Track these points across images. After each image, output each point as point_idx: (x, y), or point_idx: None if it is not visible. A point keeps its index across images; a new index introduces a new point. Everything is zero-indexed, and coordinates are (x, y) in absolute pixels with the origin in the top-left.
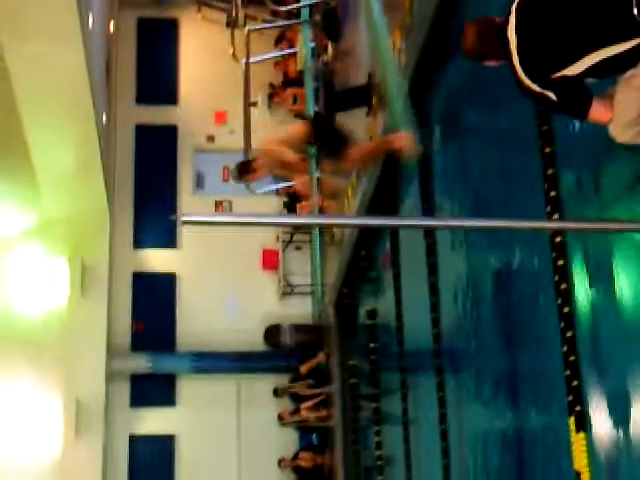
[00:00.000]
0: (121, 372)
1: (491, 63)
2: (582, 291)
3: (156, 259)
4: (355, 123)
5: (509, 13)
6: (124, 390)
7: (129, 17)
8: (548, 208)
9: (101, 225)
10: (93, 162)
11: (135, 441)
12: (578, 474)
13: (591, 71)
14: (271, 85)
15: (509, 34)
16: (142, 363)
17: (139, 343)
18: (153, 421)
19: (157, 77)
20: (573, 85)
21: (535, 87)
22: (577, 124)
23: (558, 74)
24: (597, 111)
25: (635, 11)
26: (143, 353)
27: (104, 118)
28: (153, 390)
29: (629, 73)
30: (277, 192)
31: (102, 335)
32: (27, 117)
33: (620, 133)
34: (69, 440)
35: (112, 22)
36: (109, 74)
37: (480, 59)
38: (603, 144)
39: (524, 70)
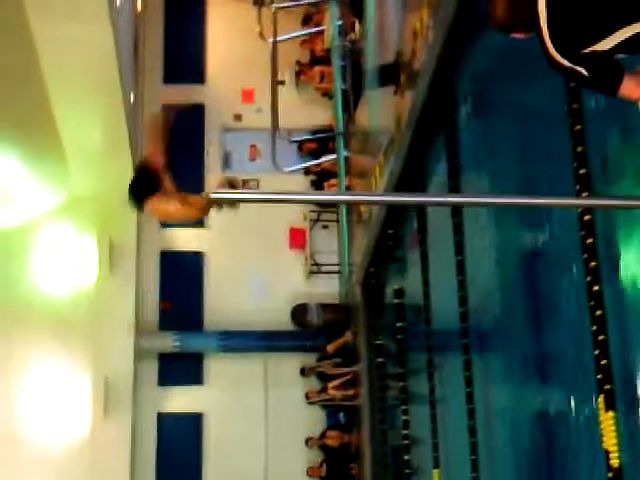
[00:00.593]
0: (149, 351)
1: (519, 35)
2: (611, 270)
3: (184, 238)
4: (383, 102)
5: None
6: (152, 369)
7: None
8: (577, 186)
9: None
10: (121, 141)
11: (163, 419)
12: (607, 453)
13: (622, 46)
14: (298, 62)
15: (539, 8)
16: (170, 342)
17: (167, 322)
18: (181, 399)
19: (184, 56)
20: (604, 60)
21: (565, 62)
22: (606, 101)
23: (589, 49)
24: (628, 87)
25: None
26: (171, 332)
27: (132, 97)
28: (181, 369)
29: None
30: (304, 171)
31: (130, 314)
32: (56, 96)
33: None
34: (98, 418)
35: (140, 1)
36: (136, 53)
37: (507, 31)
38: (634, 120)
39: (554, 45)
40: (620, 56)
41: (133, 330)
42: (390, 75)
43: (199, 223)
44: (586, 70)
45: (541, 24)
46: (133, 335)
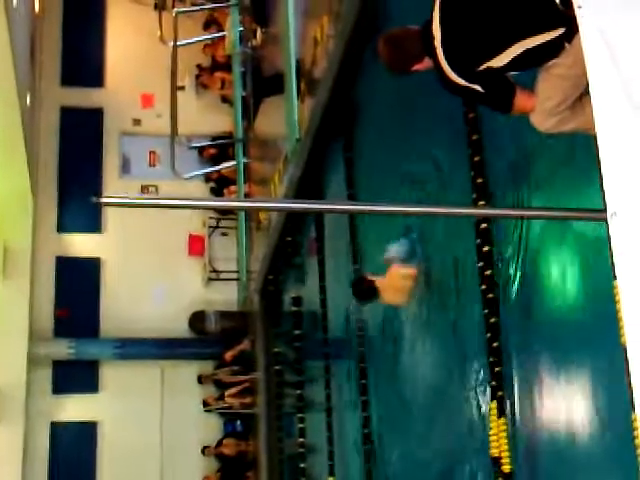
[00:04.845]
0: (43, 358)
1: (418, 67)
2: (506, 278)
3: (80, 243)
4: (281, 108)
5: (432, 9)
6: (46, 376)
7: None
8: (474, 195)
9: (24, 208)
10: (16, 144)
11: (57, 428)
12: (498, 459)
13: (516, 62)
14: (198, 66)
15: (434, 29)
16: (64, 349)
17: (62, 329)
18: (75, 408)
19: (83, 59)
20: (498, 77)
21: (460, 81)
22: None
23: (484, 65)
24: (521, 99)
25: (557, 0)
26: (66, 339)
27: (28, 100)
28: (76, 376)
29: (551, 62)
30: (205, 178)
31: (24, 320)
32: None
33: (542, 121)
34: None
35: (37, 2)
36: (33, 55)
37: (406, 67)
38: (528, 133)
39: (450, 64)
40: (513, 74)
41: (27, 336)
42: (275, 86)
43: (96, 228)
44: (481, 87)
45: (436, 45)
46: (27, 342)
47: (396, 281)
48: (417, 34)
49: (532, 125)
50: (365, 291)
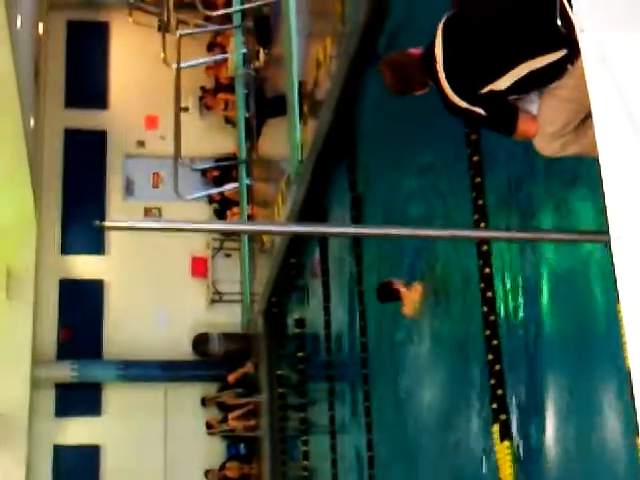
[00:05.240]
0: (46, 380)
1: (419, 92)
2: (507, 300)
3: (84, 266)
4: (284, 130)
5: (435, 33)
6: (49, 399)
7: (58, 19)
8: (475, 216)
9: (28, 230)
10: (20, 166)
11: (60, 451)
12: None
13: (518, 84)
14: (202, 88)
15: (436, 52)
16: (67, 371)
17: (65, 351)
18: (78, 431)
19: (87, 81)
20: (500, 100)
21: (463, 103)
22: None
23: (486, 88)
24: (524, 124)
25: (559, 22)
26: (68, 361)
27: (32, 122)
28: (79, 399)
29: (554, 85)
30: (209, 199)
31: (27, 342)
32: None
33: (545, 146)
34: None
35: (41, 24)
36: (37, 77)
37: (408, 90)
38: (530, 157)
39: (452, 87)
40: (514, 97)
41: (30, 359)
42: (278, 107)
43: (99, 250)
44: (484, 110)
45: (438, 68)
46: (30, 364)
47: (416, 295)
48: (419, 58)
49: (536, 149)
50: (388, 295)
